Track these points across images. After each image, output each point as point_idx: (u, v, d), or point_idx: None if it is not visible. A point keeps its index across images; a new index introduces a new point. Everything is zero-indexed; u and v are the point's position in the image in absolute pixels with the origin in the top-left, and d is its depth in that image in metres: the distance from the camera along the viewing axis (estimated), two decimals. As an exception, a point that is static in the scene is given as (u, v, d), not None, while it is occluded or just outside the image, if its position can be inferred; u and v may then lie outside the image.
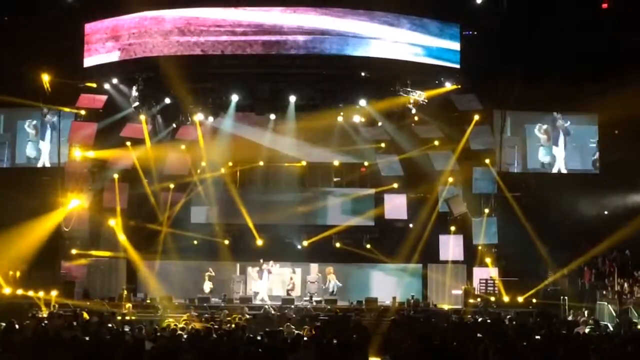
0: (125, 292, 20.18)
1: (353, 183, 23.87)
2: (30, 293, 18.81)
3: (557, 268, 20.54)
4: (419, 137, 21.72)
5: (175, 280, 21.81)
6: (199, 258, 22.48)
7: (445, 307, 20.58)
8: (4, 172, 22.51)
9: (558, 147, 22.45)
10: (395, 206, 22.52)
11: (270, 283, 21.73)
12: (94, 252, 21.56)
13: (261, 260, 21.71)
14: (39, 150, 22.74)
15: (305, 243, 22.71)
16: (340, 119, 21.84)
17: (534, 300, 19.72)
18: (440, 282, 21.89)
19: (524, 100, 21.60)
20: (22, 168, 22.69)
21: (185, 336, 11.50)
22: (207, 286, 21.33)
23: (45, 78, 20.64)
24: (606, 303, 18.68)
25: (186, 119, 22.04)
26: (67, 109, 21.49)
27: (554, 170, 22.54)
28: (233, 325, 13.80)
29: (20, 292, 19.33)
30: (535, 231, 20.20)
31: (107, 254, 21.65)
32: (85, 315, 15.62)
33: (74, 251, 21.31)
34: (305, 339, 10.84)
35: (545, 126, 22.51)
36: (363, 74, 19.93)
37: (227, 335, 11.27)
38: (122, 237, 21.24)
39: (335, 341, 10.30)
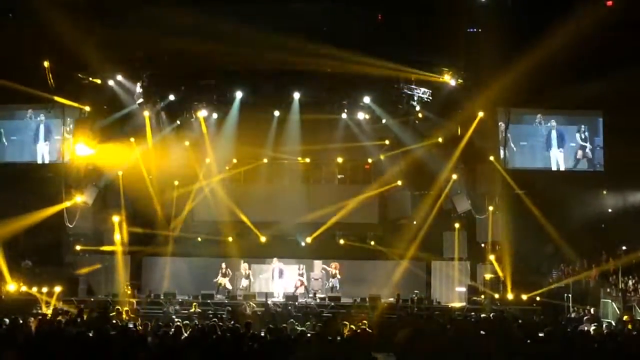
0: (130, 288, 20.20)
1: (357, 180, 23.87)
2: (35, 289, 18.85)
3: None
4: (423, 134, 21.69)
5: (179, 276, 21.83)
6: (203, 255, 22.53)
7: (449, 304, 20.56)
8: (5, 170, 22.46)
9: (562, 145, 22.35)
10: (399, 203, 22.52)
11: (285, 281, 21.60)
12: (98, 248, 21.58)
13: (274, 260, 21.70)
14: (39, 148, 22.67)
15: (308, 240, 22.71)
16: (344, 115, 21.83)
17: (538, 298, 19.68)
18: (444, 279, 21.87)
19: (528, 98, 21.51)
20: (23, 166, 22.64)
21: (189, 332, 11.49)
22: (223, 281, 21.23)
23: (50, 74, 20.62)
24: (610, 301, 18.64)
25: (190, 116, 22.03)
26: (76, 104, 21.41)
27: (561, 168, 22.45)
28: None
29: (24, 288, 19.37)
30: (539, 229, 20.14)
31: (113, 248, 21.65)
32: (92, 312, 15.62)
33: (78, 247, 21.36)
34: (308, 335, 10.83)
35: (549, 124, 22.42)
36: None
37: (231, 332, 11.26)
38: (123, 235, 21.22)
39: (338, 338, 10.30)
